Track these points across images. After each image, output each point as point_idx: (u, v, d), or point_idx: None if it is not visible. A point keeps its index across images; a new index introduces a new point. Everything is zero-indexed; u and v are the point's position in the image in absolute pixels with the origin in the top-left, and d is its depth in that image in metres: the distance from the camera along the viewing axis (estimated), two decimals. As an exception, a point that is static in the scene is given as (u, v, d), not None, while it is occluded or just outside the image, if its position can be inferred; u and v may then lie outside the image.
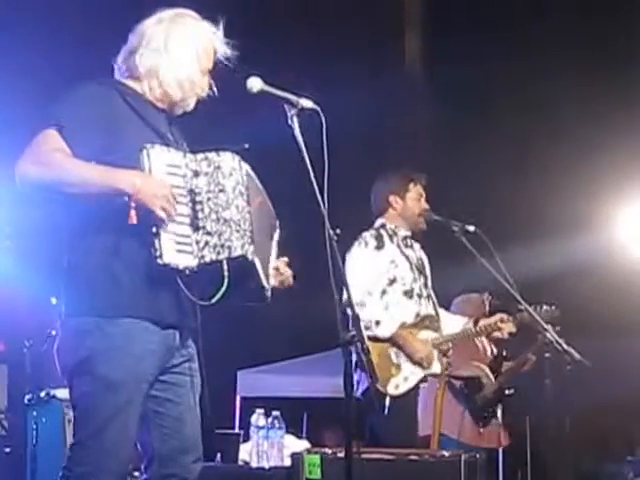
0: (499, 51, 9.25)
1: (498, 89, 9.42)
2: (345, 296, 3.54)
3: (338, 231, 3.45)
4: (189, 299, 3.42)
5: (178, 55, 3.58)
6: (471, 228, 5.56)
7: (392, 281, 5.65)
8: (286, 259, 3.79)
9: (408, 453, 4.98)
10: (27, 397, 6.42)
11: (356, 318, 3.49)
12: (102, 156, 3.33)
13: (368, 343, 4.78)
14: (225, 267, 3.37)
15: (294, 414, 9.02)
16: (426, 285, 5.81)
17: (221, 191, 3.40)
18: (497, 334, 5.90)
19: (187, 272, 3.34)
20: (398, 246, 5.74)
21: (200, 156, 3.44)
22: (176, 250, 3.32)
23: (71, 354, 3.45)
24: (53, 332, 6.92)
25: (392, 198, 5.81)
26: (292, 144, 3.46)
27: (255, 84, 3.46)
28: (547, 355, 5.54)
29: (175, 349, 3.54)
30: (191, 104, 3.66)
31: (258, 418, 5.44)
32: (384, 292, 5.64)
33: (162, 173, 3.34)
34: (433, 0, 10.78)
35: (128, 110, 3.49)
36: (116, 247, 3.38)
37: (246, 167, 3.53)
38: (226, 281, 3.36)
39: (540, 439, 7.40)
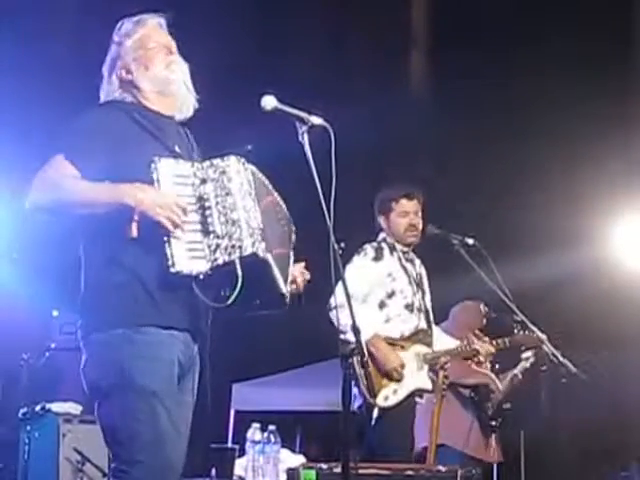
0: (502, 69, 9.31)
1: (500, 107, 9.47)
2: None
3: (342, 245, 3.51)
4: (203, 303, 3.43)
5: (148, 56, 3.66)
6: (470, 241, 5.60)
7: (391, 294, 5.66)
8: (302, 265, 3.77)
9: (404, 468, 4.92)
10: (22, 411, 6.35)
11: (356, 330, 3.47)
12: (111, 174, 3.37)
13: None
14: (238, 267, 3.38)
15: (288, 428, 8.99)
16: (424, 300, 5.81)
17: (227, 194, 3.44)
18: (475, 359, 5.88)
19: (201, 277, 3.36)
20: (399, 259, 5.77)
21: (206, 163, 3.48)
22: (189, 257, 3.35)
23: (103, 370, 3.38)
24: (53, 345, 6.92)
25: (380, 219, 5.89)
26: (295, 159, 3.51)
27: (269, 102, 3.53)
28: (543, 368, 5.53)
29: (192, 362, 3.53)
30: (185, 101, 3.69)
31: (254, 432, 5.35)
32: (383, 304, 5.65)
33: (170, 184, 3.39)
34: (439, 18, 10.83)
35: (136, 129, 3.53)
36: (134, 259, 3.40)
37: (251, 168, 3.57)
38: (240, 280, 3.36)
39: (535, 453, 7.36)
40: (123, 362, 3.34)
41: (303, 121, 3.53)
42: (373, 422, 5.42)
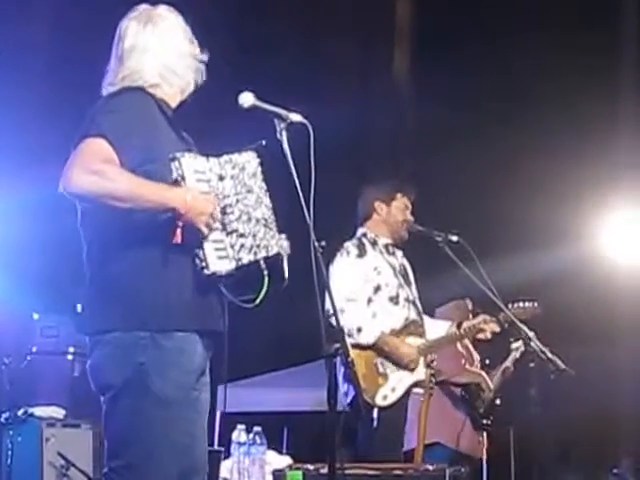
0: (486, 62, 9.32)
1: (484, 99, 9.48)
2: (327, 306, 3.52)
3: (323, 243, 3.46)
4: (221, 304, 3.40)
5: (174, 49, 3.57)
6: (454, 238, 5.56)
7: (377, 289, 5.65)
8: None
9: (392, 468, 4.91)
10: (4, 416, 6.28)
11: (340, 330, 3.48)
12: (143, 164, 3.29)
13: (354, 353, 4.80)
14: (263, 266, 3.36)
15: (275, 429, 8.95)
16: (411, 291, 5.77)
17: (249, 191, 3.42)
18: (481, 335, 5.87)
19: (226, 277, 3.33)
20: (380, 253, 5.75)
21: (224, 159, 3.42)
22: (217, 257, 3.30)
23: (120, 369, 3.30)
24: (34, 349, 6.86)
25: (377, 204, 5.84)
26: (275, 157, 3.46)
27: (247, 99, 3.49)
28: (531, 365, 5.51)
29: (206, 363, 3.48)
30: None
31: (239, 434, 5.32)
32: (370, 300, 5.64)
33: (192, 181, 3.31)
34: (422, 12, 10.87)
35: (161, 117, 3.46)
36: (163, 259, 3.31)
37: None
38: (266, 280, 3.35)
39: (524, 450, 7.34)
40: (144, 365, 3.27)
41: (281, 118, 3.49)
42: (375, 423, 5.42)
